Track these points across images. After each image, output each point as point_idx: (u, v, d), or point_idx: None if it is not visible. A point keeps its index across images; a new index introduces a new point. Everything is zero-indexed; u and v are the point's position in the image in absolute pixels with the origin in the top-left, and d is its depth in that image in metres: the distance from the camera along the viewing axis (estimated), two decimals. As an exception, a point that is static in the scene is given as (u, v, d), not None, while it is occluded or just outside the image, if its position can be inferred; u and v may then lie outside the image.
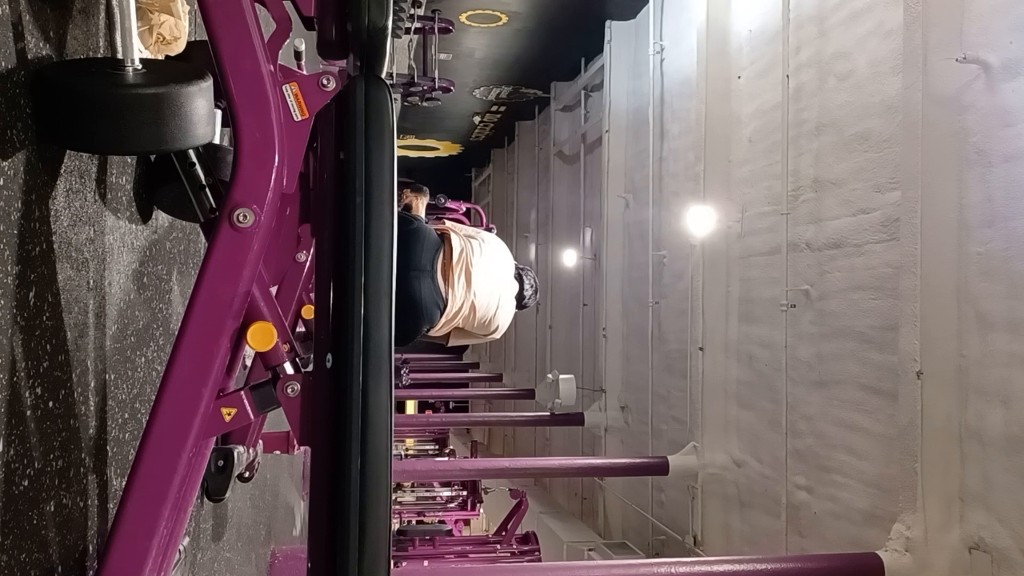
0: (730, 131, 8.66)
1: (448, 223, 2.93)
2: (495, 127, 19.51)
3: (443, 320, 2.68)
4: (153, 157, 1.98)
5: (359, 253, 1.47)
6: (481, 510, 14.80)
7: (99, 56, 1.70)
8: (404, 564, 10.02)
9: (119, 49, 1.49)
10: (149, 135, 1.47)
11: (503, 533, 12.02)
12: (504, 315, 2.83)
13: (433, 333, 2.74)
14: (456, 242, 2.69)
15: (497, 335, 2.93)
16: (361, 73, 1.57)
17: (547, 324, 15.68)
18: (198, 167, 1.74)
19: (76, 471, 1.59)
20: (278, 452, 3.61)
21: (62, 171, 1.53)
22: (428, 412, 22.59)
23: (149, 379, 2.04)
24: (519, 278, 2.92)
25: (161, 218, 2.12)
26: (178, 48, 1.82)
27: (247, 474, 3.23)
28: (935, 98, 5.26)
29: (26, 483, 1.38)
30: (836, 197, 6.76)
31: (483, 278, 2.69)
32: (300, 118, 1.51)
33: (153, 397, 1.46)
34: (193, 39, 1.96)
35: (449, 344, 3.03)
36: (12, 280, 1.33)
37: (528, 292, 2.95)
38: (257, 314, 1.52)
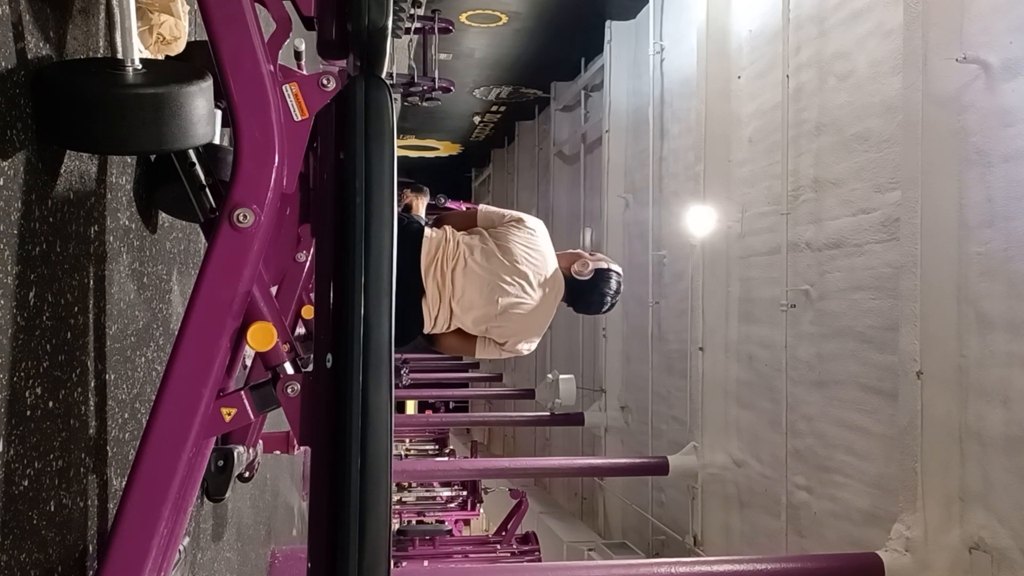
0: (730, 131, 8.65)
1: (453, 218, 2.82)
2: (495, 127, 19.51)
3: (432, 318, 2.62)
4: (153, 157, 1.98)
5: (359, 253, 1.47)
6: (481, 510, 14.79)
7: (99, 56, 1.70)
8: (404, 564, 10.02)
9: (119, 49, 1.49)
10: (149, 135, 1.47)
11: (503, 533, 12.01)
12: (522, 322, 2.67)
13: (438, 331, 2.68)
14: (431, 244, 2.59)
15: (521, 342, 2.74)
16: (361, 73, 1.57)
17: (549, 324, 15.64)
18: (198, 167, 1.74)
19: (76, 471, 1.59)
20: (278, 452, 3.61)
21: (62, 171, 1.53)
22: (428, 412, 22.59)
23: (149, 379, 2.04)
24: (575, 279, 2.74)
25: (161, 218, 2.12)
26: (178, 48, 1.82)
27: (247, 474, 3.24)
28: (935, 98, 5.26)
29: (26, 483, 1.38)
30: (836, 197, 6.76)
31: (467, 280, 2.59)
32: (300, 118, 1.51)
33: (153, 397, 1.46)
34: (193, 39, 1.96)
35: (477, 357, 2.92)
36: (12, 280, 1.33)
37: (607, 292, 2.76)
38: (257, 314, 1.52)
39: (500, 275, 2.61)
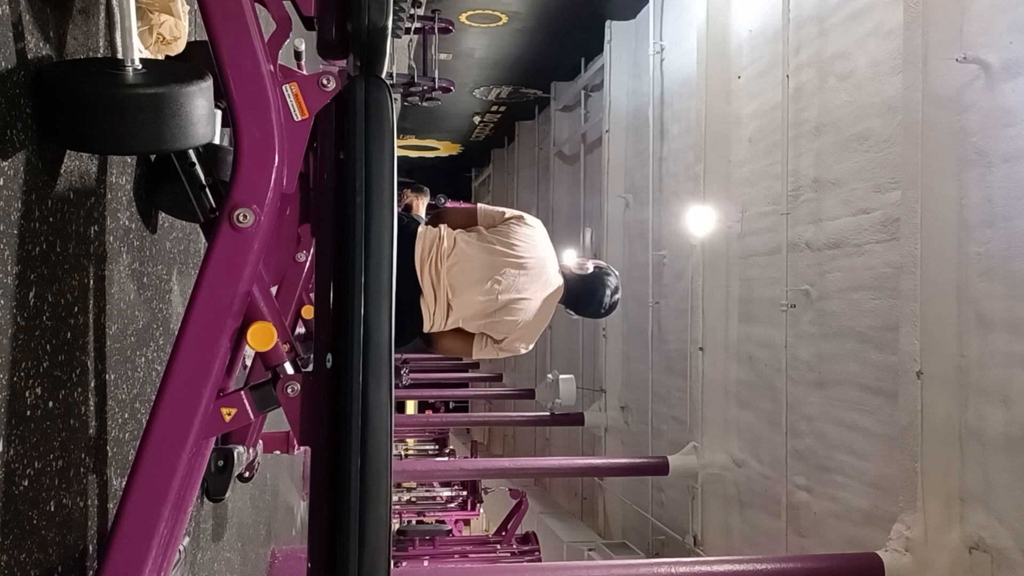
0: (730, 131, 8.66)
1: (453, 214, 2.80)
2: (495, 127, 19.51)
3: (431, 316, 2.61)
4: (153, 157, 1.98)
5: (359, 253, 1.47)
6: (481, 510, 14.79)
7: (99, 56, 1.70)
8: (404, 564, 10.03)
9: (119, 49, 1.49)
10: (149, 135, 1.47)
11: (503, 533, 12.02)
12: (521, 319, 2.67)
13: (436, 329, 2.67)
14: (425, 243, 2.58)
15: (520, 340, 2.74)
16: (361, 73, 1.57)
17: (547, 324, 15.63)
18: (198, 167, 1.74)
19: (76, 471, 1.59)
20: (278, 452, 3.61)
21: (62, 171, 1.53)
22: (428, 412, 22.59)
23: (149, 379, 2.04)
24: (571, 276, 2.77)
25: (161, 218, 2.12)
26: (178, 48, 1.82)
27: (247, 474, 3.24)
28: (935, 98, 5.25)
29: (26, 483, 1.38)
30: (836, 197, 6.76)
31: (464, 277, 2.58)
32: (300, 118, 1.51)
33: (153, 397, 1.46)
34: (193, 39, 1.96)
35: (475, 357, 2.93)
36: (12, 280, 1.33)
37: (606, 290, 2.77)
38: (257, 314, 1.52)
39: (499, 271, 2.60)
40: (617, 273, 2.88)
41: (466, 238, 2.63)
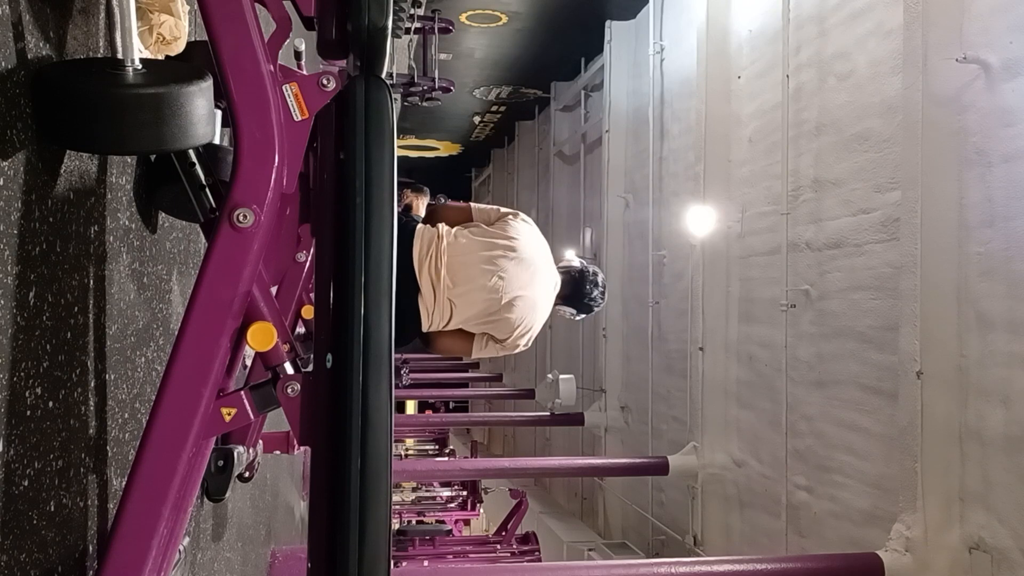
0: (730, 131, 8.66)
1: (448, 211, 2.81)
2: (495, 127, 19.51)
3: (429, 316, 2.60)
4: (153, 157, 1.98)
5: (359, 253, 1.47)
6: (481, 510, 14.79)
7: (99, 56, 1.70)
8: (404, 564, 10.03)
9: (119, 49, 1.49)
10: (149, 135, 1.47)
11: (503, 533, 12.02)
12: (525, 315, 2.67)
13: (436, 328, 2.65)
14: (423, 242, 2.57)
15: (522, 336, 2.75)
16: (361, 73, 1.57)
17: (547, 324, 15.62)
18: (198, 167, 1.74)
19: (76, 471, 1.59)
20: (278, 452, 3.61)
21: (62, 171, 1.53)
22: (428, 412, 22.59)
23: (149, 379, 2.04)
24: (569, 274, 2.85)
25: (161, 218, 2.12)
26: (178, 48, 1.82)
27: (247, 474, 3.24)
28: (935, 98, 5.26)
29: (26, 483, 1.38)
30: (836, 197, 6.76)
31: (466, 273, 2.57)
32: (300, 118, 1.51)
33: (153, 397, 1.46)
34: (193, 39, 1.96)
35: (474, 356, 2.97)
36: (12, 280, 1.33)
37: (596, 283, 2.86)
38: (257, 314, 1.52)
39: (501, 266, 2.59)
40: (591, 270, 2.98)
41: (466, 233, 2.63)
